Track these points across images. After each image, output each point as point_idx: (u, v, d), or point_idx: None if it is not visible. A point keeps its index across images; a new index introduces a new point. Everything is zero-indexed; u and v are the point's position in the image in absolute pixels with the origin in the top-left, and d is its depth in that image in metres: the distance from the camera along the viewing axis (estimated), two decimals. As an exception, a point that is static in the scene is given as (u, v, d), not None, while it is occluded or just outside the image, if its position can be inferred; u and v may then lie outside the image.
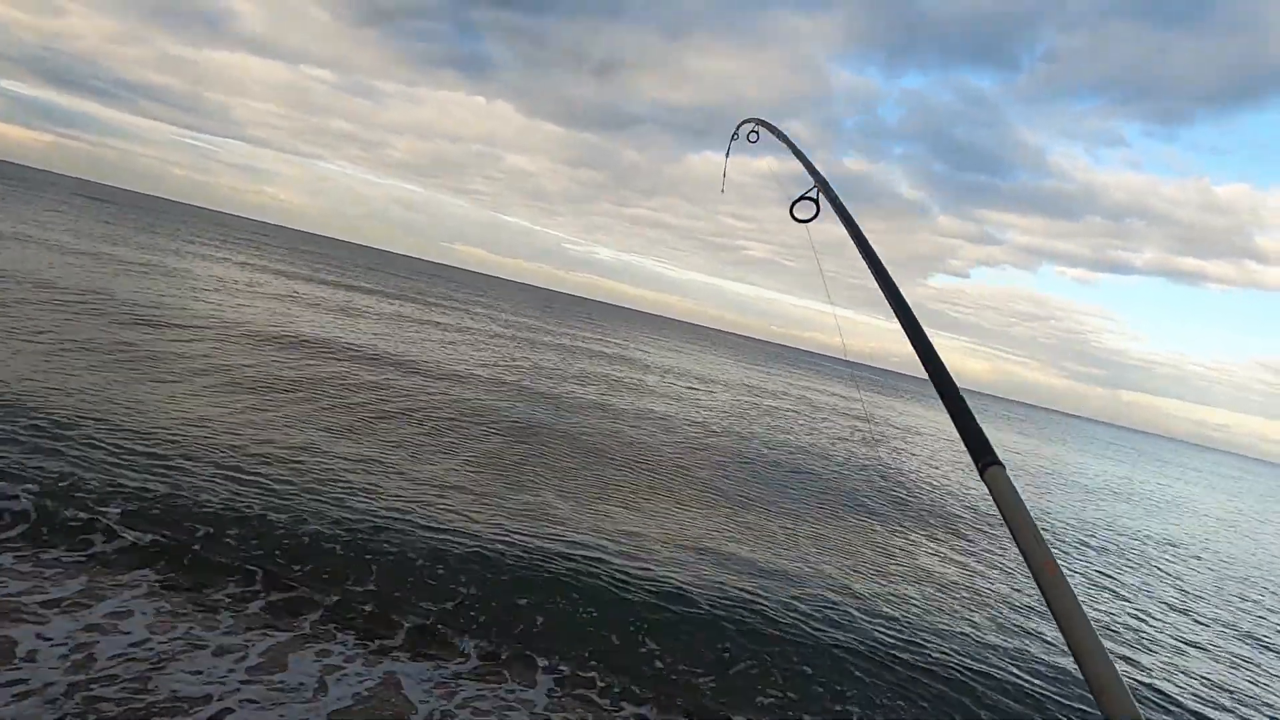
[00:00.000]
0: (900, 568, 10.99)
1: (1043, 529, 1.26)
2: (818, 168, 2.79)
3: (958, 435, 1.49)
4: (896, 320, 1.85)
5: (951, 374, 1.64)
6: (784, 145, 3.16)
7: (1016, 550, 1.24)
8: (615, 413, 18.04)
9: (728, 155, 4.91)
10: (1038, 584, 1.17)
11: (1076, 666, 1.07)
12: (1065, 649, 1.16)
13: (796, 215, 2.72)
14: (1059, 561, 1.20)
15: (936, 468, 21.86)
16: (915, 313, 1.84)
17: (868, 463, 19.81)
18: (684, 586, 7.65)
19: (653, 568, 7.99)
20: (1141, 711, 0.99)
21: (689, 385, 30.07)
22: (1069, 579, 1.15)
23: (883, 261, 2.08)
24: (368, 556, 6.70)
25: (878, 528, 12.99)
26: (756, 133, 3.87)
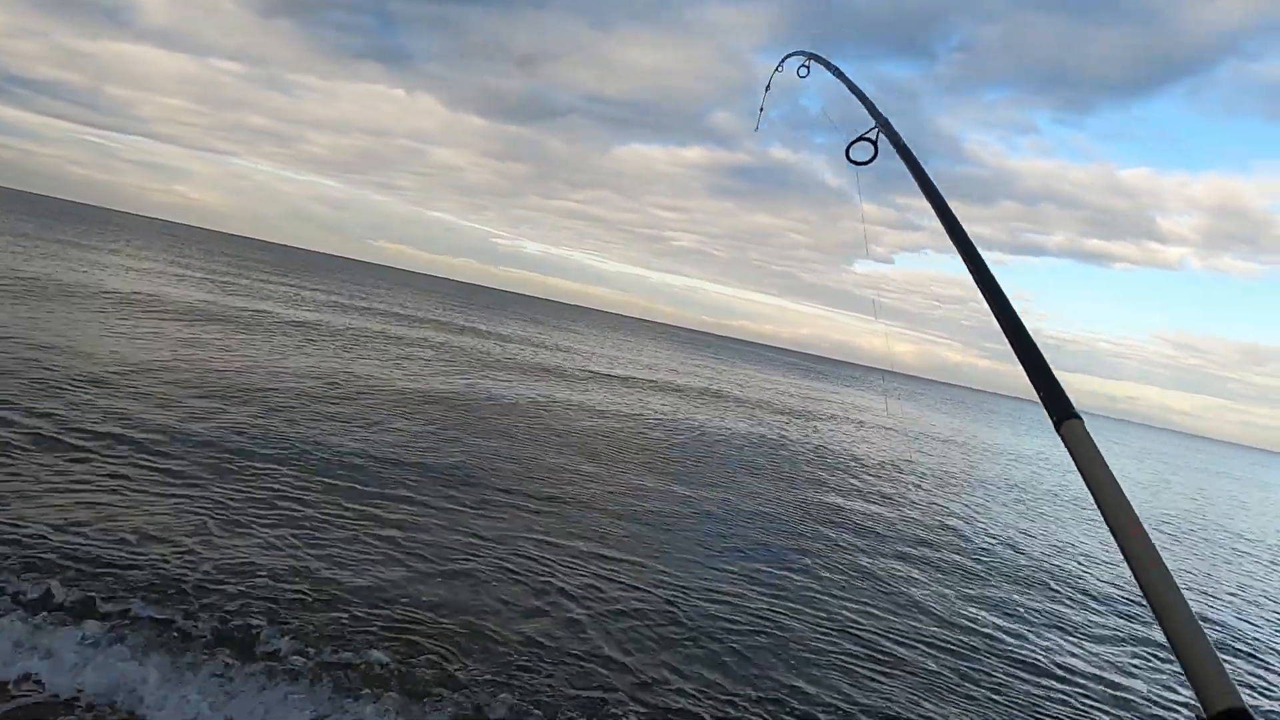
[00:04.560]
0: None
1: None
2: (878, 108, 2.60)
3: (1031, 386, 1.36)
4: (965, 267, 1.69)
5: (1024, 324, 1.49)
6: (839, 81, 2.96)
7: (1099, 514, 1.11)
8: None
9: (767, 89, 4.68)
10: (1122, 551, 1.04)
11: (1164, 640, 0.95)
12: (1144, 624, 1.04)
13: (853, 158, 2.55)
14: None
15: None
16: (984, 263, 1.69)
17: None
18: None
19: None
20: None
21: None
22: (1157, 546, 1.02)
23: (950, 206, 1.92)
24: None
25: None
26: (807, 68, 3.64)
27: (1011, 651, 7.66)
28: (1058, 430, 1.26)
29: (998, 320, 1.51)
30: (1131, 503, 1.09)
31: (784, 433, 21.33)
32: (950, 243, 1.78)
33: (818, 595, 8.02)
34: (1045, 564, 11.71)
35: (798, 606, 7.54)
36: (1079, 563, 12.30)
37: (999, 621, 8.44)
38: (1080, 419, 1.25)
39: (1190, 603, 0.95)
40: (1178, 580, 0.97)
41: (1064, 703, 6.77)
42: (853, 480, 15.77)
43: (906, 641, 7.27)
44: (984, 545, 12.08)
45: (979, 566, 10.58)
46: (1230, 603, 11.86)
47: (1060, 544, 13.72)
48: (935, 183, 2.01)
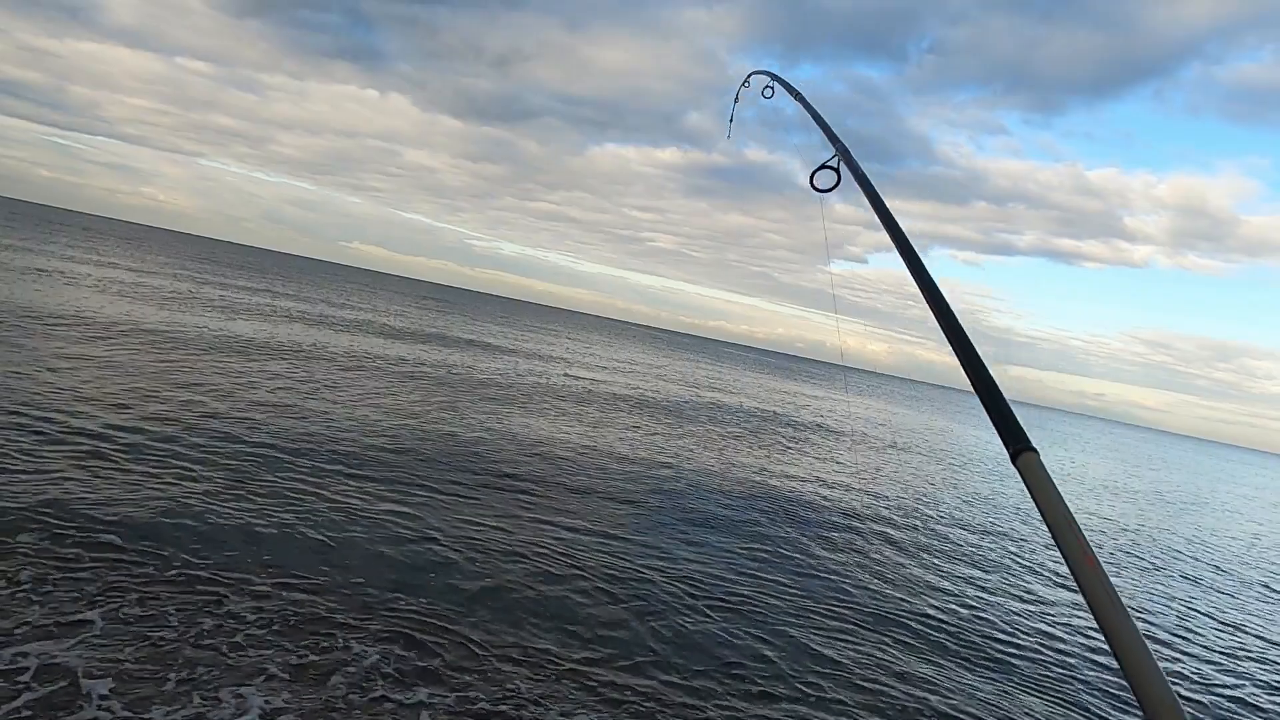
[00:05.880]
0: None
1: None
2: (838, 135, 2.68)
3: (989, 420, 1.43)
4: (923, 298, 1.77)
5: (981, 358, 1.56)
6: (800, 106, 3.04)
7: (1052, 543, 1.18)
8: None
9: (735, 101, 4.88)
10: (1076, 580, 1.12)
11: (1118, 669, 1.02)
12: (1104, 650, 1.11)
13: (817, 185, 2.62)
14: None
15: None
16: (943, 297, 1.77)
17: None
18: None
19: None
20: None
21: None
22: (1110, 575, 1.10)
23: (908, 236, 2.00)
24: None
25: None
26: (771, 89, 3.71)
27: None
28: (1014, 463, 1.32)
29: (957, 356, 1.58)
30: (1085, 535, 1.16)
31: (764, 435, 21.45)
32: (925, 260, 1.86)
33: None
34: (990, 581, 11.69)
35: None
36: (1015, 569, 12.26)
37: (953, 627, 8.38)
38: (1036, 451, 1.31)
39: (1136, 616, 1.03)
40: (1130, 594, 1.05)
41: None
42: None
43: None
44: (937, 541, 12.16)
45: (939, 560, 10.58)
46: (1170, 604, 11.38)
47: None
48: (895, 216, 2.09)
